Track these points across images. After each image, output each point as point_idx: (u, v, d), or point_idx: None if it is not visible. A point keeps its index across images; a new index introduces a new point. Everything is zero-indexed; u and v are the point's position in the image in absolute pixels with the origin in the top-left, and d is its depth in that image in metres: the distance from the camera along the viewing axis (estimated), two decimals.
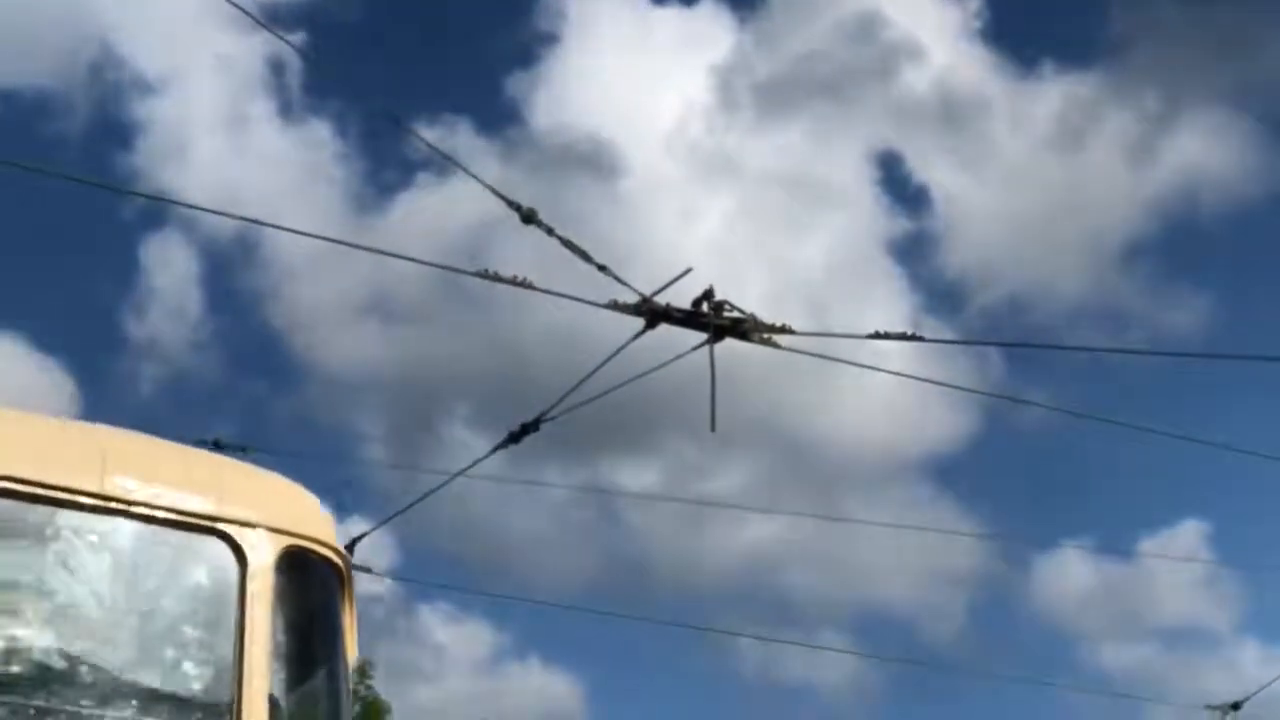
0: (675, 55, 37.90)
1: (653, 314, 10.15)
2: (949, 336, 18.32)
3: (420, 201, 35.50)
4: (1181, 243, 39.94)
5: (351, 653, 5.78)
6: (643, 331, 10.21)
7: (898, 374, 11.58)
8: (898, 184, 42.61)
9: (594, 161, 35.05)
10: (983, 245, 38.73)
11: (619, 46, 38.32)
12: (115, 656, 5.06)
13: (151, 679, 5.06)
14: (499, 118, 46.97)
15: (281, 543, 5.34)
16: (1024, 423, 36.83)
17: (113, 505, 5.16)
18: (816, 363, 10.71)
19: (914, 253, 40.91)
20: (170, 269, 37.69)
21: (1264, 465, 14.04)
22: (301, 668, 5.42)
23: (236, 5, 9.66)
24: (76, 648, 5.01)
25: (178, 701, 5.06)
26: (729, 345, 10.24)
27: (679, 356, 10.36)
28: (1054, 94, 38.93)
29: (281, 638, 5.22)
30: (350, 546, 13.08)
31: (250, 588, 5.20)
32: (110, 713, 4.97)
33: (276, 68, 36.74)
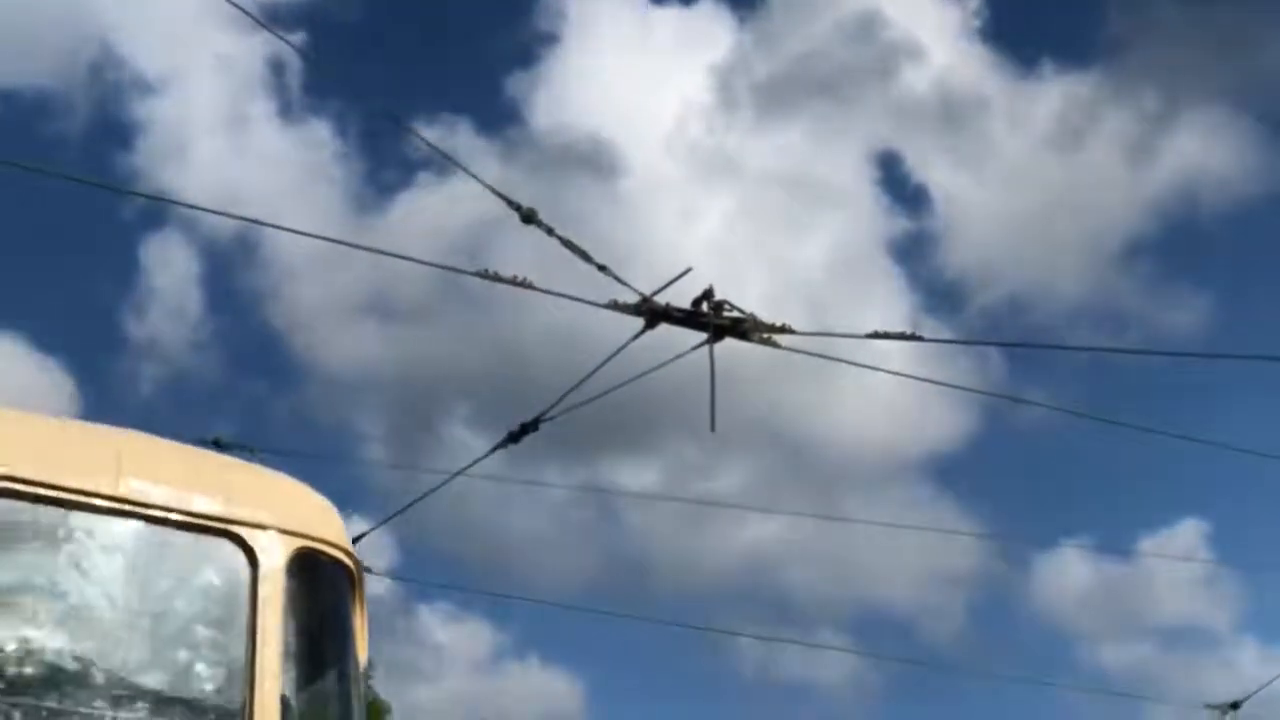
0: (675, 55, 37.91)
1: (652, 314, 10.16)
2: (948, 336, 18.34)
3: (420, 201, 35.51)
4: (1181, 242, 40.02)
5: (362, 654, 5.79)
6: (642, 331, 10.22)
7: (898, 374, 11.60)
8: (897, 184, 42.65)
9: (594, 161, 35.08)
10: (982, 245, 38.79)
11: (619, 46, 38.35)
12: (128, 658, 5.07)
13: (164, 681, 5.08)
14: (499, 118, 46.97)
15: (293, 544, 5.35)
16: (1023, 422, 36.90)
17: (126, 507, 5.17)
18: (816, 362, 10.73)
19: (914, 252, 40.98)
20: (170, 269, 37.68)
21: (1263, 465, 14.12)
22: (313, 669, 5.44)
23: (236, 5, 9.67)
24: (89, 649, 5.03)
25: (190, 703, 5.08)
26: (729, 345, 10.25)
27: (679, 356, 10.37)
28: (1053, 93, 39.03)
29: (293, 639, 5.23)
30: None
31: (262, 589, 5.21)
32: (123, 714, 4.98)
33: (276, 68, 36.74)
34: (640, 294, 10.10)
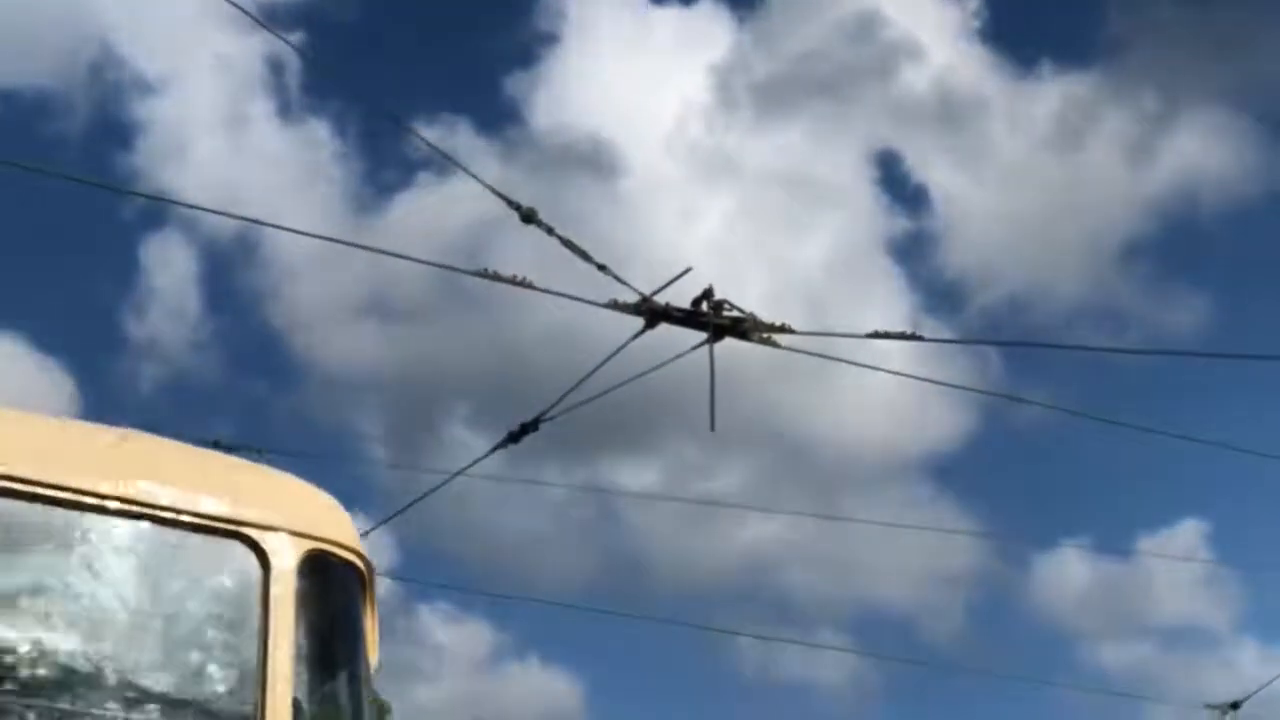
0: (674, 55, 37.88)
1: (652, 313, 10.17)
2: (948, 336, 18.29)
3: (420, 201, 35.51)
4: (1180, 242, 39.94)
5: (374, 655, 5.79)
6: (642, 331, 10.23)
7: (898, 374, 11.59)
8: (897, 183, 42.57)
9: (593, 161, 35.06)
10: (982, 245, 38.73)
11: (618, 46, 38.35)
12: (140, 660, 5.07)
13: (175, 683, 5.08)
14: (499, 117, 46.98)
15: (304, 546, 5.34)
16: (1023, 422, 36.79)
17: (137, 509, 5.17)
18: (816, 362, 10.73)
19: (913, 252, 40.90)
20: (170, 269, 37.72)
21: (1263, 464, 14.09)
22: (324, 672, 5.44)
23: (236, 5, 9.70)
24: (101, 651, 5.03)
25: (202, 705, 5.07)
26: (728, 345, 10.26)
27: (679, 356, 10.38)
28: (1053, 94, 38.95)
29: (305, 641, 5.22)
30: None
31: (273, 591, 5.20)
32: (135, 716, 4.98)
33: (276, 67, 36.77)
34: (640, 294, 10.11)
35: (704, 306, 10.23)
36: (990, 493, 40.63)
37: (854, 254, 36.71)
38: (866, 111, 38.44)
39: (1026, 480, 39.40)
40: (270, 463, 6.10)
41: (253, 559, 5.23)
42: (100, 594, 5.09)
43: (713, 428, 10.05)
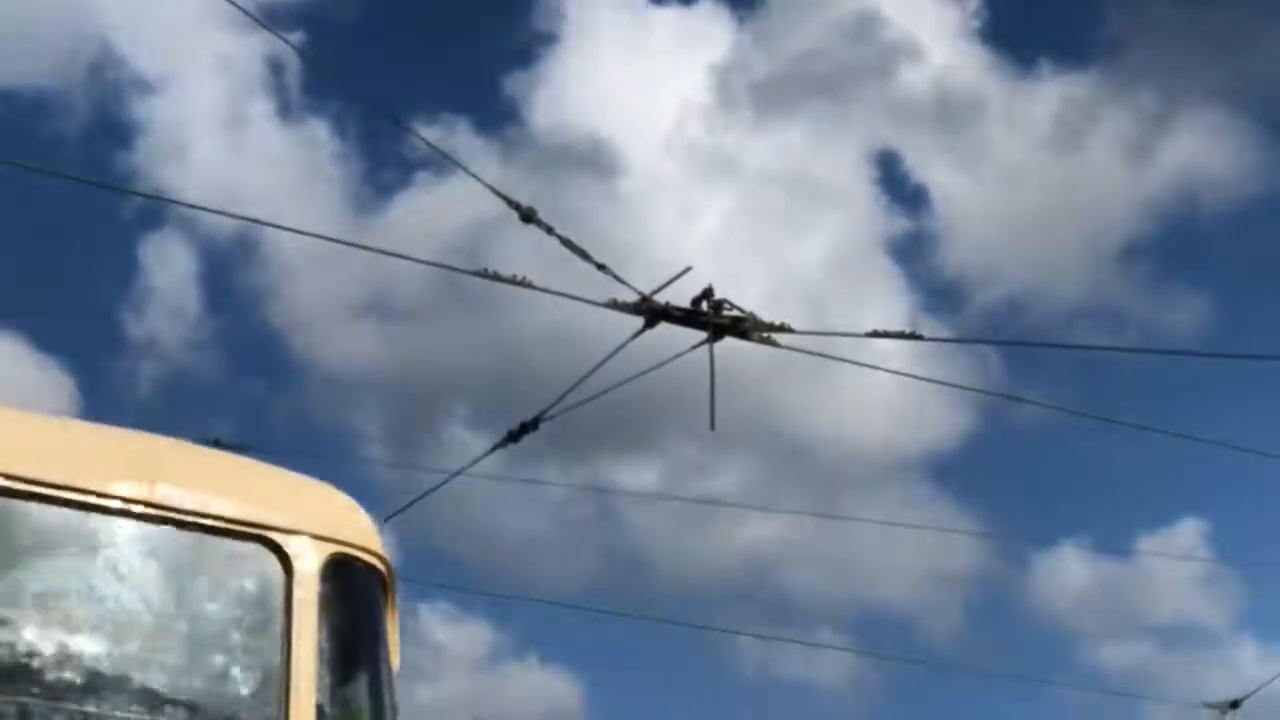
0: (674, 55, 37.89)
1: (652, 313, 10.19)
2: (947, 336, 18.35)
3: (419, 201, 35.41)
4: (1180, 242, 39.95)
5: (395, 659, 5.81)
6: (642, 330, 10.25)
7: (897, 373, 11.63)
8: (896, 183, 42.44)
9: (593, 161, 34.99)
10: (981, 244, 38.72)
11: (618, 46, 38.32)
12: (164, 664, 5.09)
13: (199, 686, 5.10)
14: (498, 117, 46.81)
15: (327, 549, 5.36)
16: (1022, 422, 36.80)
17: (161, 513, 5.19)
18: (816, 362, 10.76)
19: (912, 252, 40.80)
20: (169, 268, 37.57)
21: (1262, 463, 14.16)
22: (347, 674, 5.45)
23: (236, 5, 9.70)
24: (126, 654, 5.05)
25: (226, 708, 5.09)
26: (728, 344, 10.28)
27: (678, 355, 10.40)
28: (1052, 93, 38.95)
29: (327, 644, 5.24)
30: None
31: (296, 594, 5.22)
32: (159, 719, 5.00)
33: (275, 67, 36.63)
34: (640, 293, 10.13)
35: (704, 306, 10.25)
36: (990, 492, 40.63)
37: (853, 253, 36.72)
38: (866, 111, 38.46)
39: (1026, 480, 39.41)
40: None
41: (276, 562, 5.25)
42: (124, 597, 5.11)
43: (713, 427, 10.09)
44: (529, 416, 11.07)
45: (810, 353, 10.57)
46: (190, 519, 5.21)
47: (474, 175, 10.22)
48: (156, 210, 46.99)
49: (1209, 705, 19.86)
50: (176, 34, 35.72)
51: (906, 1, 37.26)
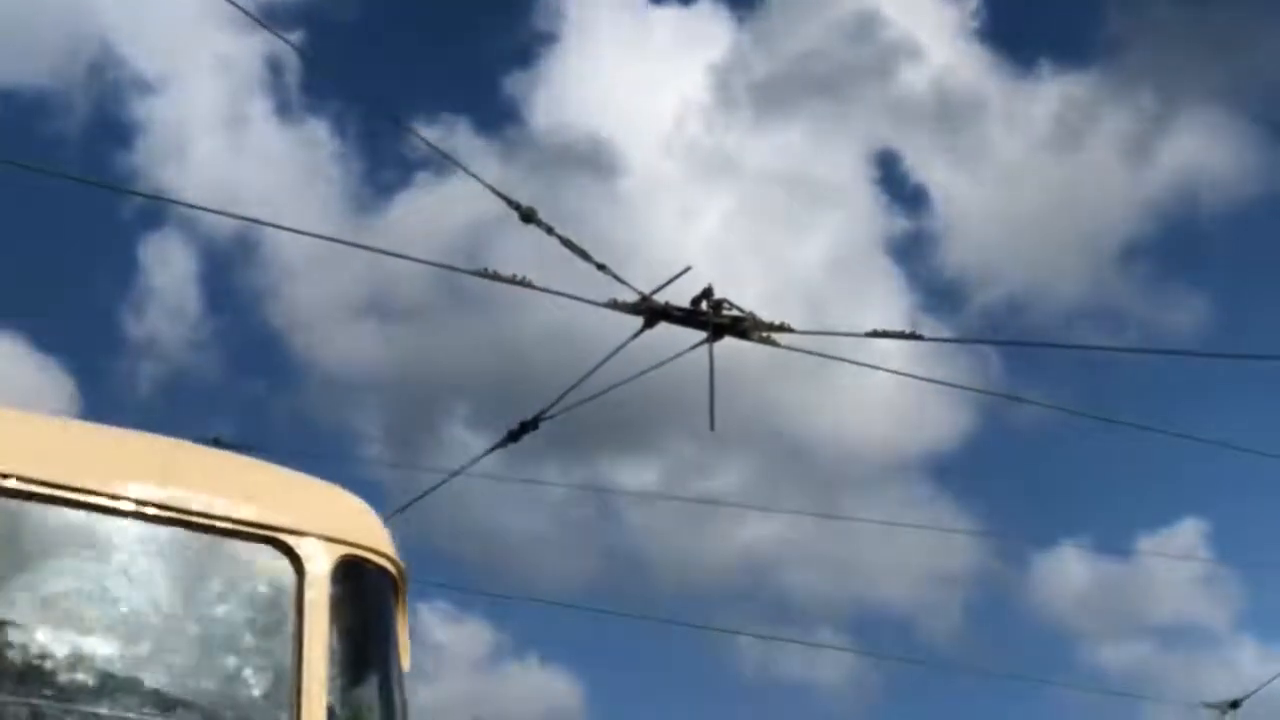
0: (674, 55, 37.90)
1: (652, 313, 10.21)
2: (947, 335, 18.39)
3: (419, 201, 35.40)
4: (1180, 242, 39.99)
5: (405, 661, 5.81)
6: (642, 330, 10.27)
7: (897, 373, 11.65)
8: (896, 183, 42.47)
9: (593, 161, 34.99)
10: (981, 244, 38.75)
11: (618, 46, 38.33)
12: (175, 665, 5.10)
13: (211, 688, 5.11)
14: (498, 117, 46.81)
15: (338, 551, 5.37)
16: (1022, 422, 36.82)
17: (172, 515, 5.19)
18: (816, 361, 10.78)
19: (912, 252, 40.81)
20: (169, 268, 37.57)
21: (1262, 463, 14.18)
22: (358, 677, 5.47)
23: (236, 5, 9.71)
24: (137, 657, 5.06)
25: (237, 710, 5.10)
26: (728, 344, 10.30)
27: (678, 355, 10.43)
28: (1051, 93, 38.98)
29: (338, 646, 5.24)
30: None
31: (308, 596, 5.22)
32: None
33: (275, 67, 36.61)
34: (639, 293, 10.15)
35: (703, 306, 10.28)
36: (990, 492, 40.61)
37: (853, 253, 36.74)
38: (865, 111, 38.48)
39: (1026, 480, 39.43)
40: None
41: (287, 564, 5.25)
42: (136, 599, 5.12)
43: (712, 427, 10.10)
44: (529, 416, 11.10)
45: (810, 353, 10.60)
46: (201, 521, 5.21)
47: (474, 175, 10.25)
48: (156, 210, 47.05)
49: (1209, 705, 19.90)
50: (176, 34, 35.72)
51: (906, 1, 37.29)
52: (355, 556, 5.43)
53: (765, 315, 10.29)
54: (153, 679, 5.04)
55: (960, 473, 39.32)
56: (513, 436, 11.27)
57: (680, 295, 10.25)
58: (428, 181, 34.75)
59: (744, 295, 10.54)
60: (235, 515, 5.26)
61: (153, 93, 37.43)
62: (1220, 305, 37.28)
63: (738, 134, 37.02)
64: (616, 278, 10.12)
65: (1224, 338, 38.69)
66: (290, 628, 5.17)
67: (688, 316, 10.25)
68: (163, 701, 5.02)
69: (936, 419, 34.74)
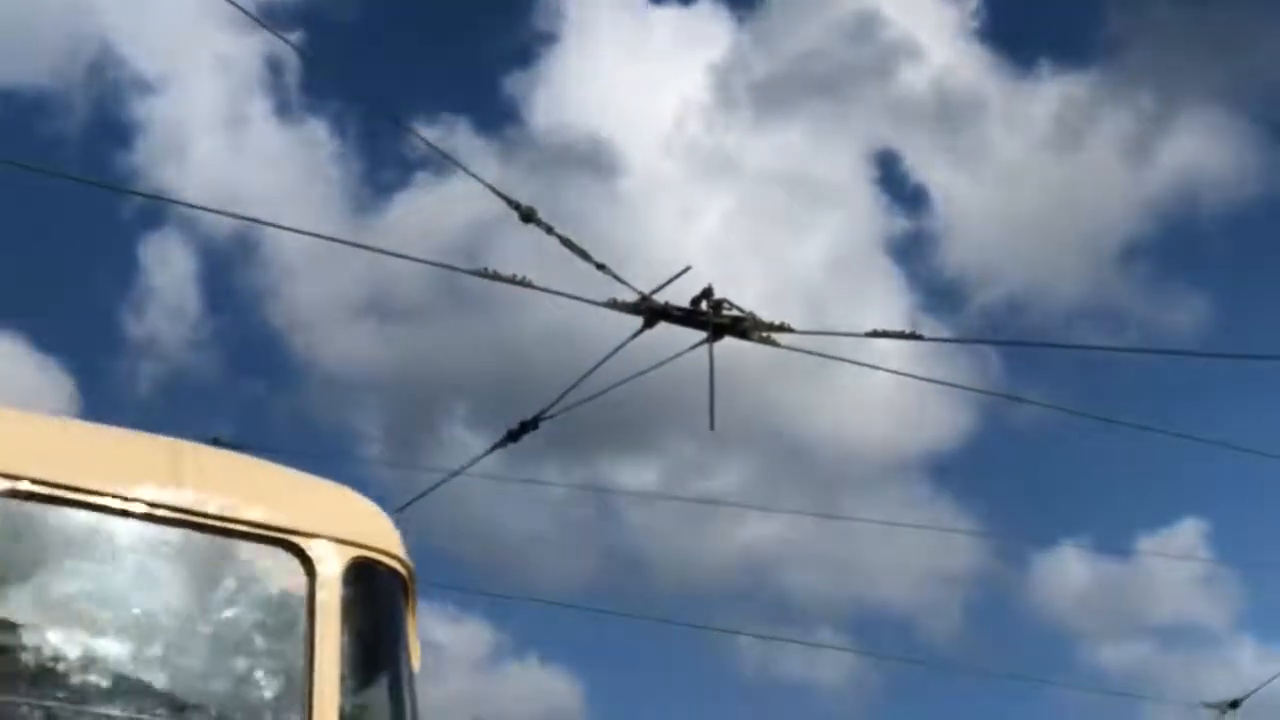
0: (674, 55, 37.93)
1: (652, 312, 10.20)
2: (947, 335, 18.41)
3: (419, 201, 35.38)
4: (1179, 242, 40.05)
5: (416, 662, 5.83)
6: (642, 330, 10.26)
7: (897, 373, 11.66)
8: (896, 183, 42.43)
9: (593, 161, 34.97)
10: (981, 244, 38.78)
11: (618, 46, 38.35)
12: (188, 667, 5.12)
13: (223, 689, 5.13)
14: (498, 117, 46.75)
15: (349, 553, 5.39)
16: (1022, 422, 36.82)
17: (185, 517, 5.21)
18: (815, 361, 10.78)
19: (912, 252, 40.79)
20: (169, 268, 37.56)
21: (1262, 463, 14.21)
22: (369, 678, 5.48)
23: (236, 5, 9.69)
24: (151, 658, 5.08)
25: (249, 711, 5.11)
26: (728, 344, 10.29)
27: (678, 355, 10.41)
28: (1051, 93, 39.01)
29: (349, 647, 5.26)
30: None
31: (319, 598, 5.24)
32: None
33: (275, 67, 36.59)
34: (639, 293, 10.14)
35: (703, 305, 10.26)
36: (989, 492, 40.54)
37: (853, 253, 36.73)
38: (865, 111, 38.48)
39: (1026, 480, 39.44)
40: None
41: (299, 566, 5.27)
42: (149, 601, 5.14)
43: (712, 427, 10.09)
44: (529, 416, 11.08)
45: (810, 353, 10.58)
46: (214, 523, 5.23)
47: (474, 175, 10.23)
48: (156, 210, 46.88)
49: (1209, 705, 19.88)
50: (176, 34, 35.66)
51: (906, 1, 37.26)
52: (366, 558, 5.46)
53: (765, 315, 10.28)
54: (165, 681, 5.06)
55: (960, 473, 39.31)
56: (513, 436, 11.26)
57: (680, 295, 10.23)
58: (427, 181, 34.72)
59: (744, 295, 10.52)
60: (247, 518, 5.28)
61: (153, 93, 37.38)
62: (1220, 305, 37.33)
63: (738, 134, 37.02)
64: (616, 277, 10.10)
65: (1224, 338, 38.73)
66: (302, 629, 5.19)
67: (688, 316, 10.23)
68: (175, 703, 5.04)
69: (936, 419, 34.74)
